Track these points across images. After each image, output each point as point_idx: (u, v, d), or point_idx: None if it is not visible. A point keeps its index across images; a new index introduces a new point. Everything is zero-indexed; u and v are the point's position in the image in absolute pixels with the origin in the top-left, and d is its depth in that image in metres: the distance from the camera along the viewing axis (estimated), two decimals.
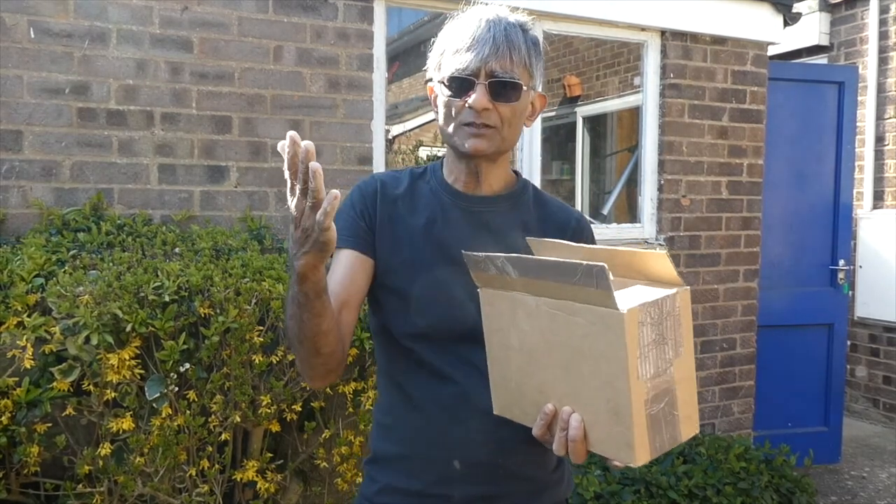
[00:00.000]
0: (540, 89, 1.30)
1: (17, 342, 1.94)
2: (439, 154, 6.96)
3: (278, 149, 0.95)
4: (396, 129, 8.90)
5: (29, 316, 1.97)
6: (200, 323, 2.14)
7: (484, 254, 1.05)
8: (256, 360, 2.16)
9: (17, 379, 1.97)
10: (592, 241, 1.37)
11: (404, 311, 1.25)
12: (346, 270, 1.23)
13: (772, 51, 4.39)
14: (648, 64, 3.73)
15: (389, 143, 8.40)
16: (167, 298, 2.08)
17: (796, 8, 3.97)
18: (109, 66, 2.68)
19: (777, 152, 4.23)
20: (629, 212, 5.11)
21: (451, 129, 1.24)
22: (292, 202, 0.96)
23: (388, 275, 1.26)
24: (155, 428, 2.07)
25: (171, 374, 2.08)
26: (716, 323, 3.91)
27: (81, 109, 2.65)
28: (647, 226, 3.78)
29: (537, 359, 1.03)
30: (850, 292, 4.77)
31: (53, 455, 2.10)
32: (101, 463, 2.07)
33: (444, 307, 1.23)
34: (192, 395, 2.12)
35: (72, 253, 2.29)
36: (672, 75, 3.70)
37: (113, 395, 2.03)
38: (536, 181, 3.47)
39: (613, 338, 0.92)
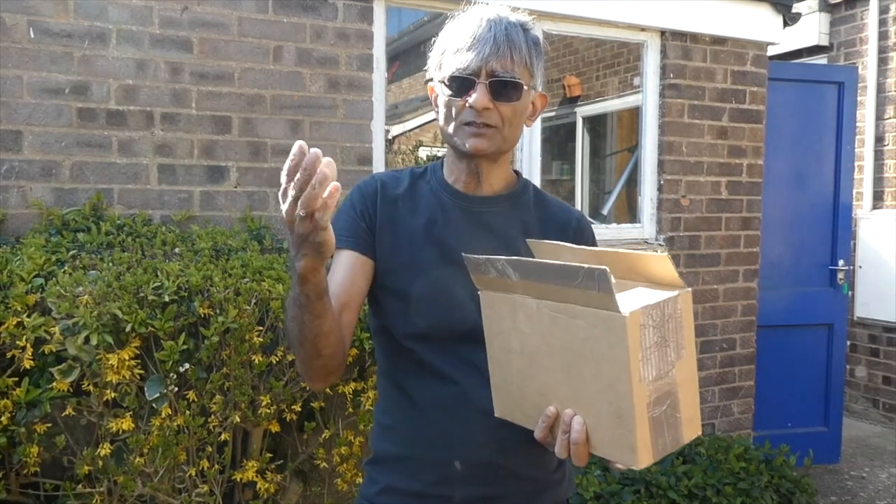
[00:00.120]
0: (540, 89, 1.30)
1: (17, 342, 1.94)
2: (439, 154, 6.96)
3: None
4: (396, 129, 8.90)
5: (29, 316, 1.97)
6: (200, 323, 2.14)
7: (484, 256, 1.05)
8: (256, 361, 2.16)
9: (16, 379, 1.97)
10: (593, 242, 1.37)
11: (404, 312, 1.25)
12: (346, 271, 1.23)
13: (772, 51, 4.39)
14: (648, 64, 3.73)
15: (389, 143, 8.40)
16: (167, 298, 2.08)
17: (796, 8, 3.97)
18: (109, 66, 2.68)
19: (777, 152, 4.23)
20: (629, 212, 5.11)
21: (451, 128, 1.24)
22: (284, 206, 0.94)
23: (389, 275, 1.26)
24: (155, 428, 2.07)
25: (171, 374, 2.08)
26: (716, 323, 3.91)
27: (81, 109, 2.65)
28: (646, 226, 3.78)
29: (538, 361, 1.03)
30: (850, 292, 4.77)
31: (53, 455, 2.10)
32: (100, 463, 2.07)
33: (445, 307, 1.23)
34: (191, 395, 2.11)
35: (71, 253, 2.28)
36: (672, 75, 3.70)
37: (113, 395, 2.03)
38: (536, 181, 3.47)
39: (615, 340, 0.91)
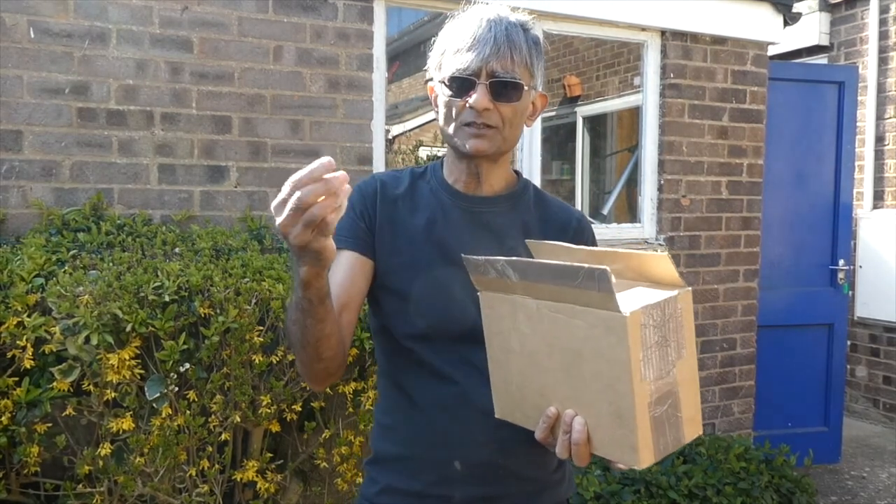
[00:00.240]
0: (541, 89, 1.30)
1: (18, 342, 1.94)
2: (439, 154, 6.96)
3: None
4: (396, 129, 8.90)
5: (29, 316, 1.97)
6: (200, 323, 2.14)
7: (484, 257, 1.05)
8: (256, 360, 2.16)
9: (17, 379, 1.97)
10: (593, 242, 1.36)
11: (404, 312, 1.24)
12: (345, 272, 1.22)
13: (772, 51, 4.38)
14: (648, 64, 3.73)
15: (389, 143, 8.40)
16: (167, 298, 2.08)
17: (796, 8, 3.97)
18: (109, 66, 2.68)
19: (777, 152, 4.23)
20: (629, 212, 5.11)
21: (451, 129, 1.24)
22: (281, 218, 0.89)
23: (388, 275, 1.26)
24: (155, 428, 2.07)
25: (171, 374, 2.08)
26: (716, 323, 3.91)
27: (81, 109, 2.65)
28: (647, 226, 3.78)
29: (539, 362, 1.03)
30: (850, 292, 4.77)
31: (53, 455, 2.10)
32: (101, 463, 2.07)
33: (445, 307, 1.23)
34: (192, 395, 2.11)
35: (72, 253, 2.28)
36: (672, 75, 3.70)
37: (113, 395, 2.03)
38: (536, 181, 3.47)
39: (616, 340, 0.91)
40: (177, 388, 2.10)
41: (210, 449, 2.21)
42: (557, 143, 7.05)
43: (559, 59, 6.81)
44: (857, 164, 4.87)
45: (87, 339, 1.96)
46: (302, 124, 2.96)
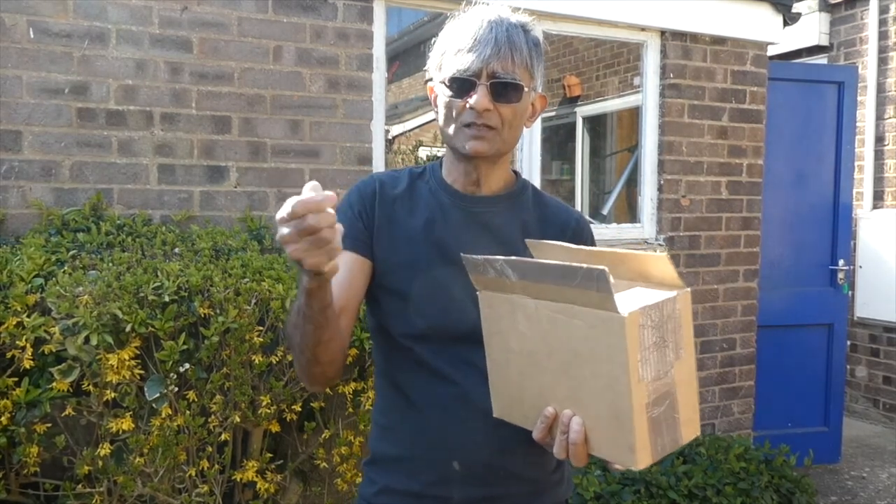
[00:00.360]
0: (540, 90, 1.30)
1: (17, 342, 1.94)
2: (439, 154, 6.96)
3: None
4: (396, 129, 8.90)
5: (28, 316, 1.97)
6: (200, 323, 2.14)
7: (483, 257, 1.05)
8: (256, 361, 2.16)
9: (16, 379, 1.97)
10: (592, 242, 1.36)
11: (403, 312, 1.24)
12: (344, 274, 1.22)
13: (772, 51, 4.38)
14: (648, 64, 3.73)
15: (389, 143, 8.40)
16: (167, 298, 2.08)
17: (796, 8, 3.97)
18: (109, 66, 2.68)
19: (777, 152, 4.23)
20: (629, 212, 5.11)
21: (451, 129, 1.24)
22: (292, 249, 0.91)
23: (387, 275, 1.26)
24: (155, 428, 2.07)
25: (171, 374, 2.08)
26: (716, 323, 3.91)
27: (81, 109, 2.65)
28: (647, 226, 3.78)
29: (537, 362, 1.03)
30: (850, 292, 4.77)
31: (53, 455, 2.10)
32: (100, 463, 2.07)
33: (444, 308, 1.23)
34: (191, 395, 2.11)
35: (71, 253, 2.28)
36: (672, 75, 3.70)
37: (112, 395, 2.03)
38: (536, 181, 3.47)
39: (614, 341, 0.91)
40: (176, 389, 2.10)
41: (210, 449, 2.21)
42: (557, 143, 7.05)
43: (559, 59, 6.81)
44: (857, 164, 4.87)
45: (87, 340, 1.96)
46: (302, 124, 2.96)
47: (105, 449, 2.05)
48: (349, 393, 2.35)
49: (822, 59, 5.68)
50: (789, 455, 3.43)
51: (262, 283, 2.21)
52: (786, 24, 3.93)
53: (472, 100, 1.19)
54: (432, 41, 1.29)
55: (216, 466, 2.21)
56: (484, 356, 1.12)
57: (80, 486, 2.09)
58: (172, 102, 2.77)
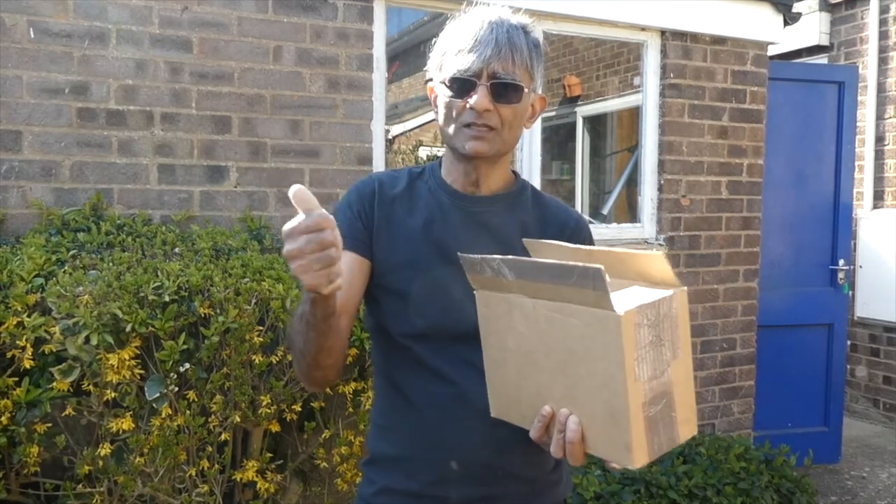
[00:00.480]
0: (540, 91, 1.30)
1: (17, 342, 1.94)
2: (439, 154, 6.97)
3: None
4: (396, 129, 8.90)
5: (29, 316, 1.97)
6: (200, 323, 2.14)
7: (480, 256, 1.05)
8: (256, 360, 2.16)
9: (17, 379, 1.98)
10: (591, 243, 1.36)
11: (403, 312, 1.25)
12: (344, 274, 1.23)
13: (772, 51, 4.38)
14: (648, 64, 3.73)
15: (389, 143, 8.40)
16: (167, 298, 2.08)
17: (796, 8, 3.97)
18: (109, 66, 2.68)
19: (777, 152, 4.23)
20: (629, 212, 5.11)
21: (451, 129, 1.24)
22: (299, 270, 0.92)
23: (387, 275, 1.26)
24: (155, 428, 2.07)
25: (171, 374, 2.08)
26: (716, 323, 3.91)
27: (81, 109, 2.65)
28: (647, 226, 3.78)
29: (534, 361, 1.03)
30: (850, 292, 4.77)
31: (53, 455, 2.10)
32: (100, 463, 2.07)
33: (444, 307, 1.23)
34: (192, 395, 2.12)
35: (72, 253, 2.28)
36: (672, 75, 3.70)
37: (113, 395, 2.03)
38: (536, 181, 3.47)
39: (610, 340, 0.91)
40: (177, 388, 2.10)
41: (210, 449, 2.21)
42: (557, 143, 7.05)
43: (559, 59, 6.81)
44: (857, 164, 4.87)
45: (87, 339, 1.97)
46: (302, 124, 2.96)
47: (105, 449, 2.05)
48: (349, 393, 2.35)
49: (822, 59, 5.68)
50: (789, 455, 3.43)
51: (263, 283, 2.21)
52: (786, 23, 3.93)
53: (473, 100, 1.19)
54: (432, 41, 1.30)
55: (216, 466, 2.22)
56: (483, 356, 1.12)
57: (80, 485, 2.10)
58: (172, 102, 2.77)
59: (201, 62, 2.80)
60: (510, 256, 1.01)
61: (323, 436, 2.42)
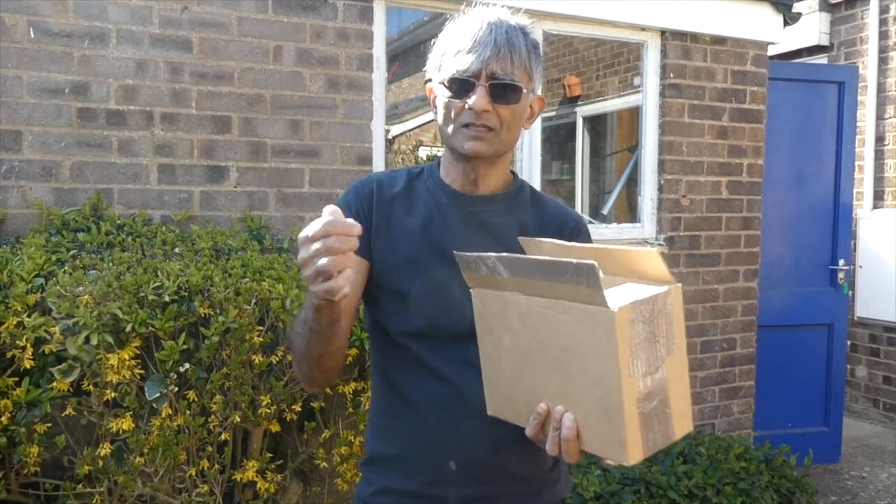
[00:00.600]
0: (539, 92, 1.30)
1: (17, 342, 1.95)
2: (439, 154, 6.96)
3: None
4: (396, 129, 8.90)
5: (29, 316, 1.97)
6: (200, 323, 2.14)
7: (475, 254, 1.05)
8: (256, 360, 2.17)
9: (17, 379, 1.98)
10: (589, 243, 1.37)
11: (402, 311, 1.25)
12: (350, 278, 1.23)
13: (772, 51, 4.38)
14: (648, 64, 3.73)
15: (389, 143, 8.40)
16: (167, 298, 2.08)
17: (796, 8, 3.97)
18: (109, 66, 2.68)
19: (777, 152, 4.23)
20: (629, 212, 5.11)
21: (450, 130, 1.25)
22: (308, 273, 0.93)
23: (385, 275, 1.27)
24: (155, 428, 2.08)
25: (171, 374, 2.08)
26: (716, 323, 3.91)
27: (81, 109, 2.65)
28: (647, 226, 3.78)
29: (530, 358, 1.03)
30: (850, 292, 4.77)
31: (53, 455, 2.10)
32: (100, 463, 2.07)
33: (443, 307, 1.23)
34: (192, 395, 2.12)
35: (72, 253, 2.29)
36: (672, 75, 3.70)
37: (113, 395, 2.03)
38: (536, 181, 3.48)
39: (604, 336, 0.91)
40: (177, 388, 2.10)
41: (210, 449, 2.21)
42: (557, 143, 7.05)
43: (559, 59, 6.81)
44: (857, 164, 4.87)
45: (87, 339, 1.97)
46: (302, 124, 2.97)
47: (105, 449, 2.05)
48: (349, 393, 2.35)
49: (822, 59, 5.68)
50: (789, 455, 3.43)
51: (263, 283, 2.21)
52: (786, 23, 3.93)
53: (471, 100, 1.19)
54: (432, 41, 1.30)
55: (216, 466, 2.22)
56: None
57: (80, 485, 2.10)
58: (172, 102, 2.77)
59: (201, 62, 2.81)
60: (505, 254, 1.01)
61: (323, 436, 2.42)
